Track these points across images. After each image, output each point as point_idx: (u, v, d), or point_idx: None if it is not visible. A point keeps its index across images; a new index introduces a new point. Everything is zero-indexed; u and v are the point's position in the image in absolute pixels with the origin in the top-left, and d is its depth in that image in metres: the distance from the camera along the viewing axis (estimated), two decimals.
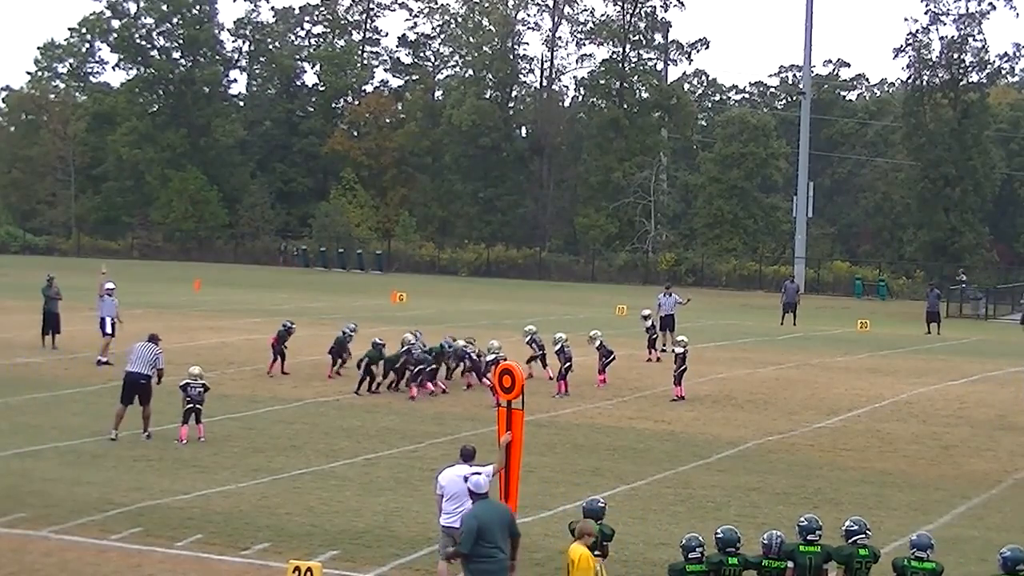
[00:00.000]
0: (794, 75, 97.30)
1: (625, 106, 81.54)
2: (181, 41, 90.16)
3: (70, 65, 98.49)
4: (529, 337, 27.72)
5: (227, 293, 52.49)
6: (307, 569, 12.14)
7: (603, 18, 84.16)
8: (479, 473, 11.93)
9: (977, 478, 19.26)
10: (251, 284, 60.32)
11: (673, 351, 26.82)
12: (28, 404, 23.25)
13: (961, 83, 73.99)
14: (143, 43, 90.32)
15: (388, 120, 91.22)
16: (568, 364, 25.90)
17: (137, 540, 14.39)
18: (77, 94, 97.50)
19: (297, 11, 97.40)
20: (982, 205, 74.96)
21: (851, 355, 35.20)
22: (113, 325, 28.98)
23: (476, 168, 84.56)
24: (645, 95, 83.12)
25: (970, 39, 73.71)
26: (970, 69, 74.39)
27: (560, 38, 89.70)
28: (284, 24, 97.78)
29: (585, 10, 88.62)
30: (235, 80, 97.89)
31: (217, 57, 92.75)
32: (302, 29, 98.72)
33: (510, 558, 11.52)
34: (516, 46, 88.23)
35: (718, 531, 11.63)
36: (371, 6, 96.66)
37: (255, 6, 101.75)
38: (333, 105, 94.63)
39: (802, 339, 40.17)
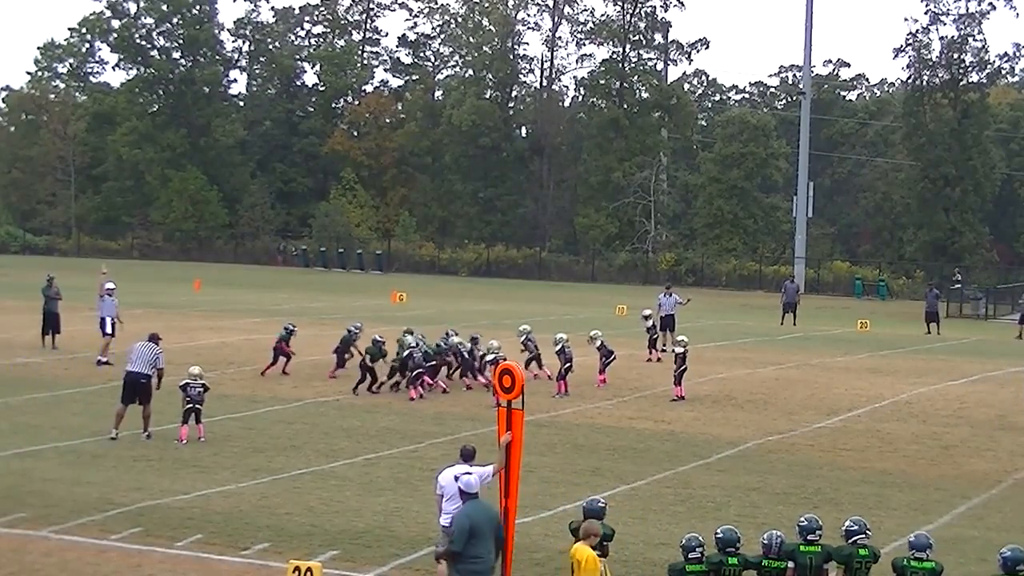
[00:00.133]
0: (794, 75, 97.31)
1: (625, 106, 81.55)
2: (181, 41, 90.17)
3: (70, 65, 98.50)
4: (524, 337, 27.72)
5: (227, 293, 52.49)
6: (307, 569, 12.14)
7: (603, 18, 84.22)
8: (470, 473, 11.95)
9: (977, 478, 19.26)
10: (251, 284, 60.33)
11: (673, 351, 26.82)
12: (28, 404, 23.24)
13: (961, 83, 74.01)
14: (143, 43, 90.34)
15: (388, 120, 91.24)
16: (569, 364, 25.90)
17: (137, 540, 14.39)
18: (77, 94, 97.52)
19: (297, 11, 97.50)
20: (982, 205, 74.97)
21: (851, 355, 35.20)
22: (113, 325, 28.99)
23: (476, 168, 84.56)
24: (645, 95, 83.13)
25: (970, 39, 73.75)
26: (970, 69, 74.41)
27: (560, 38, 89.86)
28: (284, 24, 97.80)
29: (585, 10, 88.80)
30: (235, 80, 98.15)
31: (217, 57, 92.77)
32: (302, 29, 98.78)
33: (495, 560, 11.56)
34: (516, 46, 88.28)
35: (718, 531, 11.63)
36: (371, 6, 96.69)
37: (255, 6, 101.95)
38: (333, 105, 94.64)
39: (802, 339, 40.17)
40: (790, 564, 11.31)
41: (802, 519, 11.66)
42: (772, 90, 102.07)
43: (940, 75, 74.49)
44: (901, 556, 11.41)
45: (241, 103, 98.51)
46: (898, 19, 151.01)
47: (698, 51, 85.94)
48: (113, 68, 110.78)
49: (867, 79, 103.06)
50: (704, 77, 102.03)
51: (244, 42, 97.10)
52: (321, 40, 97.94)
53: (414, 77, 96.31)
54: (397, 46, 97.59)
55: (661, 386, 27.06)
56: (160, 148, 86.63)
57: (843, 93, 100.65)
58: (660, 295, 36.35)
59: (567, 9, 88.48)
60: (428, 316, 40.41)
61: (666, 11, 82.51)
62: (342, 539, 14.65)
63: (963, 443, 22.08)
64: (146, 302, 42.51)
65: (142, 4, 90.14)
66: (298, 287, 58.88)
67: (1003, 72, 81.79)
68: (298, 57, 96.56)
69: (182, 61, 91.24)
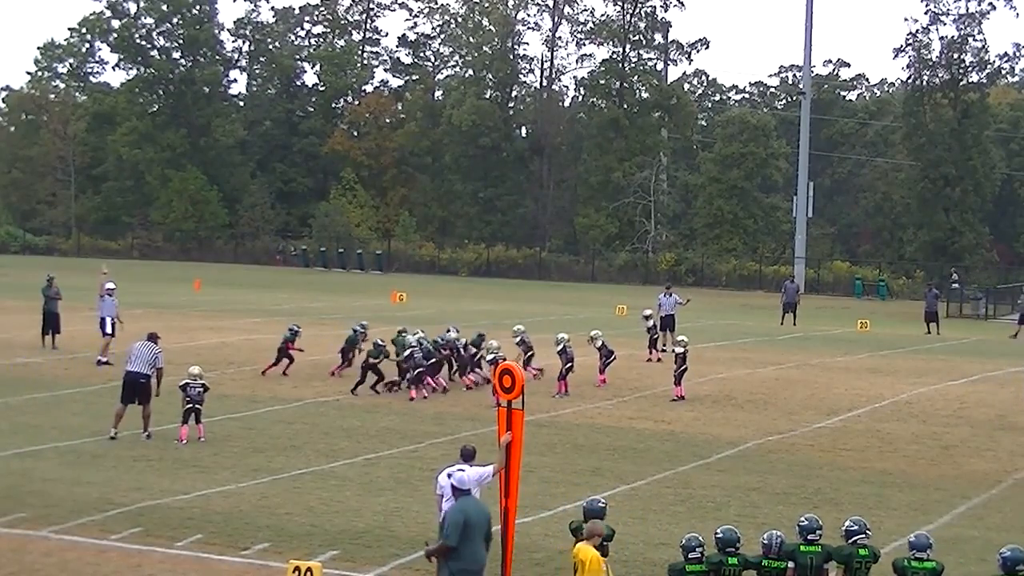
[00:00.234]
0: (794, 75, 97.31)
1: (625, 106, 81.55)
2: (181, 41, 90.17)
3: (70, 65, 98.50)
4: (519, 337, 27.72)
5: (227, 293, 52.49)
6: (307, 569, 12.14)
7: (603, 18, 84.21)
8: (463, 470, 11.96)
9: (977, 478, 19.26)
10: (251, 284, 60.33)
11: (673, 351, 26.83)
12: (28, 404, 23.25)
13: (961, 83, 74.01)
14: (143, 43, 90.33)
15: (388, 120, 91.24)
16: (570, 364, 25.90)
17: (137, 540, 14.39)
18: (77, 94, 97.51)
19: (297, 11, 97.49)
20: (982, 205, 74.98)
21: (851, 355, 35.20)
22: (113, 325, 29.00)
23: (476, 168, 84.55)
24: (645, 95, 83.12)
25: (970, 39, 73.76)
26: (970, 69, 74.41)
27: (560, 38, 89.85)
28: (284, 24, 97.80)
29: (585, 10, 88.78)
30: (235, 80, 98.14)
31: (217, 57, 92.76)
32: (302, 29, 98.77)
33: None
34: (516, 46, 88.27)
35: (718, 531, 11.63)
36: (371, 6, 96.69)
37: (255, 6, 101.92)
38: (333, 105, 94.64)
39: (802, 339, 40.17)
40: (790, 564, 11.31)
41: (802, 519, 11.67)
42: (772, 90, 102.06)
43: (940, 75, 74.49)
44: (902, 557, 11.41)
45: (241, 103, 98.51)
46: (898, 19, 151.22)
47: (698, 51, 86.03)
48: (113, 68, 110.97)
49: (867, 79, 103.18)
50: (704, 77, 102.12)
51: (244, 42, 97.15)
52: (321, 40, 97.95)
53: (414, 77, 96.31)
54: (397, 46, 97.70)
55: (661, 386, 27.06)
56: (160, 148, 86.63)
57: (843, 93, 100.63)
58: (660, 295, 36.36)
59: (567, 9, 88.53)
60: (428, 316, 40.40)
61: (666, 11, 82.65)
62: (342, 539, 14.65)
63: (963, 443, 22.08)
64: (146, 302, 42.51)
65: (142, 4, 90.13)
66: (298, 287, 58.89)
67: (1003, 72, 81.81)
68: (298, 57, 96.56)
69: (182, 61, 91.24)
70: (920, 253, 73.30)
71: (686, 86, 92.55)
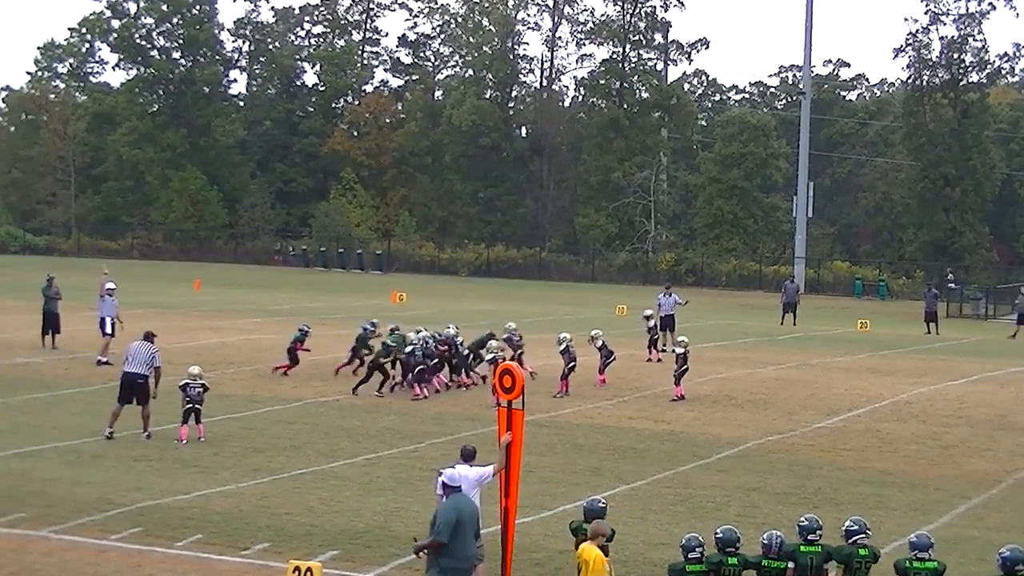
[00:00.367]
0: (794, 75, 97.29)
1: (625, 106, 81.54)
2: (181, 41, 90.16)
3: (70, 65, 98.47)
4: (507, 335, 27.72)
5: (227, 293, 52.49)
6: (307, 569, 12.14)
7: (603, 18, 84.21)
8: (453, 467, 11.97)
9: (977, 478, 19.26)
10: (251, 284, 60.33)
11: (674, 351, 26.83)
12: (28, 404, 23.25)
13: (961, 83, 74.00)
14: (143, 43, 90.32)
15: (388, 120, 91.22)
16: (573, 364, 25.91)
17: (137, 540, 14.40)
18: (77, 94, 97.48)
19: (297, 11, 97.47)
20: (982, 205, 74.96)
21: (851, 355, 35.20)
22: (113, 325, 29.00)
23: (476, 168, 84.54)
24: (645, 95, 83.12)
25: (970, 39, 73.75)
26: (970, 69, 74.41)
27: (560, 38, 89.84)
28: (284, 24, 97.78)
29: (585, 10, 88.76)
30: (235, 80, 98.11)
31: (217, 57, 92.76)
32: (302, 29, 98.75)
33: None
34: (516, 46, 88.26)
35: (718, 531, 11.63)
36: (371, 6, 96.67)
37: (255, 6, 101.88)
38: (333, 105, 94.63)
39: (802, 339, 40.18)
40: (790, 564, 11.31)
41: (802, 519, 11.67)
42: (772, 90, 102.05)
43: (940, 75, 74.49)
44: (903, 557, 11.39)
45: (241, 103, 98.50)
46: (898, 19, 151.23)
47: (698, 51, 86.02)
48: (113, 68, 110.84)
49: (867, 79, 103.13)
50: (704, 77, 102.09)
51: (244, 42, 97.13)
52: (321, 40, 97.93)
53: (414, 77, 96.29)
54: (397, 46, 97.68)
55: (661, 386, 27.07)
56: (160, 148, 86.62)
57: (843, 93, 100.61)
58: (660, 295, 36.36)
59: (567, 9, 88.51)
60: (428, 316, 40.38)
61: (666, 11, 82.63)
62: (342, 539, 14.66)
63: (963, 443, 22.08)
64: (146, 302, 42.50)
65: (142, 4, 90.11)
66: (298, 287, 58.89)
67: (1003, 72, 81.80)
68: (298, 57, 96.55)
69: (182, 61, 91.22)
70: (920, 253, 73.30)
71: (686, 86, 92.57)
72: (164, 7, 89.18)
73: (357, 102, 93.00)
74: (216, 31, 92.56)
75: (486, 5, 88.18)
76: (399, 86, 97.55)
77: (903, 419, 24.33)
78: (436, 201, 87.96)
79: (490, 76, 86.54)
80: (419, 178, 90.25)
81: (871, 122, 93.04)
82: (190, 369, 20.89)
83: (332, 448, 19.92)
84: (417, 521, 15.29)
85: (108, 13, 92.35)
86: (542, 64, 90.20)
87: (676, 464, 19.49)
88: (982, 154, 73.83)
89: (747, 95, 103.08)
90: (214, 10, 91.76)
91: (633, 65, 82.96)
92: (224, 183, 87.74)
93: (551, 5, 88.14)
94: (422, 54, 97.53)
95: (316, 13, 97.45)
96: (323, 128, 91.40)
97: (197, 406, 20.22)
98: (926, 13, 74.27)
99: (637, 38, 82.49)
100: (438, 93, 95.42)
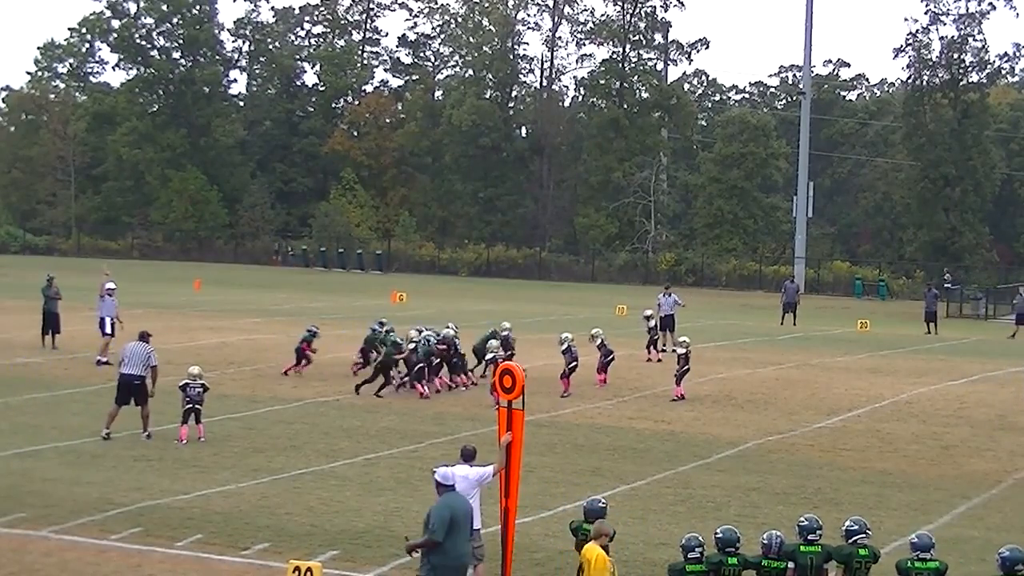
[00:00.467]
0: (794, 75, 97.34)
1: (625, 106, 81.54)
2: (181, 41, 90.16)
3: (70, 65, 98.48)
4: (505, 333, 27.72)
5: (227, 293, 52.50)
6: (307, 569, 12.14)
7: (603, 18, 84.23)
8: (446, 465, 11.96)
9: (977, 478, 19.26)
10: (251, 284, 60.34)
11: (675, 351, 26.83)
12: (28, 404, 23.24)
13: (961, 83, 74.01)
14: (143, 43, 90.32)
15: (388, 120, 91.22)
16: (574, 364, 25.91)
17: (137, 540, 14.39)
18: (77, 94, 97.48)
19: (297, 11, 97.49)
20: (982, 205, 74.97)
21: (851, 355, 35.20)
22: (113, 325, 28.99)
23: (476, 168, 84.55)
24: (645, 95, 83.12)
25: (970, 39, 73.76)
26: (970, 69, 74.42)
27: (560, 38, 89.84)
28: (284, 24, 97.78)
29: (585, 10, 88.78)
30: (235, 80, 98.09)
31: (217, 57, 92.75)
32: (302, 29, 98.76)
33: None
34: (516, 46, 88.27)
35: (718, 531, 11.63)
36: (371, 6, 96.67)
37: (255, 6, 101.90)
38: (333, 105, 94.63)
39: (802, 339, 40.18)
40: (790, 564, 11.31)
41: (802, 519, 11.66)
42: (772, 90, 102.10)
43: (940, 75, 74.49)
44: (905, 558, 11.36)
45: (241, 103, 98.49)
46: (898, 19, 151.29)
47: (698, 51, 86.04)
48: (113, 68, 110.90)
49: (867, 79, 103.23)
50: (704, 77, 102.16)
51: (244, 42, 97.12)
52: (321, 40, 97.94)
53: (414, 77, 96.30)
54: (397, 46, 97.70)
55: (661, 386, 27.07)
56: (160, 148, 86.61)
57: (843, 93, 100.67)
58: (659, 295, 36.36)
59: (567, 9, 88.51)
60: (428, 316, 40.36)
61: (666, 11, 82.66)
62: (342, 539, 14.66)
63: (963, 443, 22.08)
64: (146, 302, 42.50)
65: (142, 4, 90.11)
66: (298, 287, 58.89)
67: (1003, 72, 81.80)
68: (298, 57, 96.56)
69: (182, 61, 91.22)
70: (920, 253, 73.30)
71: (686, 86, 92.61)
72: (164, 7, 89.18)
73: (357, 102, 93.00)
74: (216, 31, 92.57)
75: (486, 5, 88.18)
76: (399, 86, 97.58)
77: (903, 419, 24.33)
78: (436, 201, 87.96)
79: (490, 76, 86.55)
80: (419, 178, 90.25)
81: (871, 122, 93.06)
82: (190, 369, 20.88)
83: (332, 448, 19.91)
84: (417, 521, 15.26)
85: (108, 13, 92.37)
86: (542, 64, 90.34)
87: (676, 464, 19.49)
88: (982, 154, 73.84)
89: (747, 95, 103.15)
90: (214, 10, 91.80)
91: (633, 65, 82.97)
92: (224, 183, 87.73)
93: (551, 5, 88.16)
94: (422, 54, 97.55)
95: (316, 13, 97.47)
96: (323, 128, 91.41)
97: (197, 406, 20.22)
98: (926, 13, 74.39)
99: (637, 38, 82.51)
100: (438, 93, 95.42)
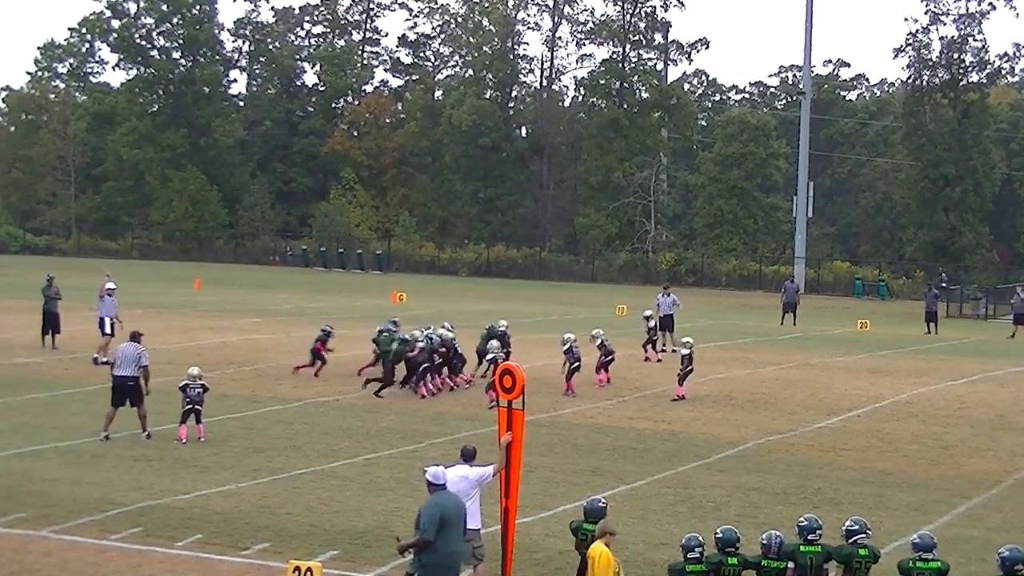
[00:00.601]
0: (794, 75, 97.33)
1: (625, 106, 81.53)
2: (181, 41, 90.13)
3: (70, 65, 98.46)
4: (502, 331, 27.73)
5: (227, 293, 52.50)
6: (307, 569, 12.14)
7: (603, 18, 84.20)
8: (438, 465, 11.96)
9: (977, 478, 19.26)
10: (251, 284, 60.34)
11: (674, 351, 26.83)
12: (28, 404, 23.25)
13: (961, 83, 73.98)
14: (143, 43, 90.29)
15: (388, 120, 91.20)
16: (577, 364, 25.91)
17: (137, 540, 14.40)
18: (77, 94, 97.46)
19: (297, 11, 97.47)
20: (982, 205, 74.95)
21: (851, 355, 35.20)
22: (112, 325, 29.00)
23: (476, 168, 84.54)
24: (645, 95, 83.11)
25: (970, 39, 73.72)
26: (970, 69, 74.38)
27: (560, 38, 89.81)
28: (284, 24, 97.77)
29: (585, 10, 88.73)
30: (235, 80, 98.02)
31: (217, 57, 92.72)
32: (302, 29, 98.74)
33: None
34: (516, 46, 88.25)
35: (718, 531, 11.63)
36: (371, 6, 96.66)
37: (255, 6, 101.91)
38: (333, 105, 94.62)
39: (802, 339, 40.17)
40: (790, 564, 11.31)
41: (802, 519, 11.66)
42: (772, 90, 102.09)
43: (940, 75, 74.46)
44: (907, 558, 11.34)
45: (241, 103, 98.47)
46: (898, 19, 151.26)
47: (698, 51, 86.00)
48: (113, 68, 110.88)
49: (867, 79, 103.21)
50: (704, 77, 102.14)
51: (244, 42, 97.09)
52: (321, 40, 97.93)
53: (414, 77, 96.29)
54: (397, 46, 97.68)
55: (661, 386, 27.08)
56: (160, 148, 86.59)
57: (843, 93, 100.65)
58: (658, 295, 36.33)
59: (567, 9, 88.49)
60: (428, 316, 40.36)
61: (666, 11, 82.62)
62: (342, 539, 14.66)
63: (963, 443, 22.08)
64: (146, 302, 42.51)
65: (142, 4, 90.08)
66: (298, 287, 58.88)
67: (1003, 72, 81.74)
68: (298, 57, 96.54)
69: (182, 61, 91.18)
70: (920, 253, 73.29)
71: (686, 86, 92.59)
72: (164, 7, 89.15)
73: (357, 102, 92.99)
74: (216, 31, 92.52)
75: (486, 5, 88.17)
76: (399, 86, 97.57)
77: (903, 419, 24.34)
78: (436, 201, 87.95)
79: (490, 76, 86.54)
80: (419, 178, 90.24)
81: (871, 122, 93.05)
82: (190, 370, 20.88)
83: (332, 448, 19.92)
84: None
85: (108, 13, 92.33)
86: (542, 64, 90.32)
87: (676, 464, 19.49)
88: (982, 154, 73.82)
89: (747, 95, 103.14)
90: (214, 10, 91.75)
91: (633, 65, 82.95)
92: (224, 183, 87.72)
93: (551, 5, 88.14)
94: (422, 54, 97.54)
95: (316, 13, 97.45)
96: (323, 128, 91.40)
97: (197, 407, 20.23)
98: (926, 13, 74.34)
99: (637, 38, 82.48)
100: (438, 93, 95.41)
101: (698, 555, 11.32)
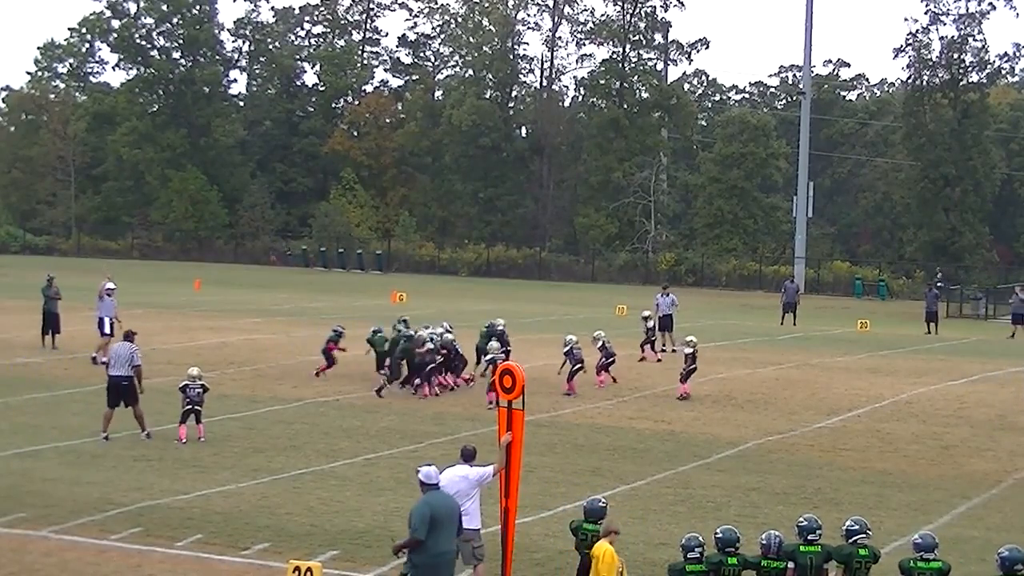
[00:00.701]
0: (794, 75, 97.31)
1: (625, 106, 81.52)
2: (181, 41, 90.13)
3: (70, 65, 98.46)
4: (500, 330, 27.73)
5: (227, 293, 52.49)
6: (307, 569, 12.14)
7: (603, 18, 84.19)
8: (431, 464, 11.97)
9: (977, 478, 19.26)
10: (251, 284, 60.34)
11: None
12: (28, 404, 23.25)
13: (961, 83, 73.96)
14: (143, 43, 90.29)
15: (388, 120, 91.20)
16: (579, 366, 25.90)
17: (137, 540, 14.40)
18: (77, 94, 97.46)
19: (297, 11, 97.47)
20: (982, 205, 74.93)
21: (851, 355, 35.19)
22: (112, 325, 28.99)
23: (476, 168, 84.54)
24: (645, 95, 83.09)
25: (970, 39, 73.70)
26: (970, 69, 74.37)
27: (560, 38, 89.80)
28: (284, 24, 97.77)
29: (585, 10, 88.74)
30: (235, 80, 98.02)
31: (217, 57, 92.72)
32: (302, 29, 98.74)
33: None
34: (516, 46, 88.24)
35: (718, 531, 11.64)
36: (371, 6, 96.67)
37: (255, 6, 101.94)
38: (333, 105, 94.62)
39: (802, 339, 40.17)
40: (790, 564, 11.31)
41: (801, 519, 11.66)
42: (772, 90, 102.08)
43: (940, 75, 74.44)
44: (908, 558, 11.34)
45: (241, 103, 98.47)
46: (898, 19, 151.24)
47: (698, 51, 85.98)
48: (113, 68, 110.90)
49: (867, 79, 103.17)
50: (704, 77, 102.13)
51: (244, 42, 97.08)
52: (321, 40, 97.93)
53: (414, 77, 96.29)
54: (397, 46, 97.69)
55: (661, 386, 27.08)
56: (160, 148, 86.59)
57: (843, 93, 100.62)
58: (657, 295, 36.30)
59: (567, 9, 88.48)
60: (428, 316, 40.36)
61: (666, 11, 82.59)
62: (342, 539, 14.66)
63: (963, 443, 22.08)
64: (146, 302, 42.51)
65: (142, 4, 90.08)
66: (298, 287, 58.88)
67: (1003, 72, 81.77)
68: (298, 57, 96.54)
69: (182, 61, 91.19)
70: (920, 253, 73.28)
71: (686, 86, 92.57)
72: (164, 7, 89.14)
73: (357, 102, 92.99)
74: (216, 31, 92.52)
75: (486, 5, 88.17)
76: (399, 86, 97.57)
77: (903, 419, 24.34)
78: (436, 201, 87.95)
79: (490, 76, 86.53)
80: (419, 178, 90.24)
81: (871, 122, 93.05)
82: (189, 371, 20.89)
83: (332, 448, 19.92)
84: None
85: (108, 13, 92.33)
86: (542, 64, 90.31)
87: (676, 464, 19.49)
88: (982, 154, 73.81)
89: (747, 95, 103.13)
90: (214, 10, 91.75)
91: (633, 65, 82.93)
92: (224, 183, 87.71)
93: (551, 5, 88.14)
94: (422, 54, 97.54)
95: (316, 13, 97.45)
96: (323, 128, 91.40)
97: (197, 407, 20.24)
98: (926, 13, 74.31)
99: (637, 38, 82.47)
100: (438, 93, 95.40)
101: (698, 555, 11.32)
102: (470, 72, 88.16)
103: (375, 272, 75.48)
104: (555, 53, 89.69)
